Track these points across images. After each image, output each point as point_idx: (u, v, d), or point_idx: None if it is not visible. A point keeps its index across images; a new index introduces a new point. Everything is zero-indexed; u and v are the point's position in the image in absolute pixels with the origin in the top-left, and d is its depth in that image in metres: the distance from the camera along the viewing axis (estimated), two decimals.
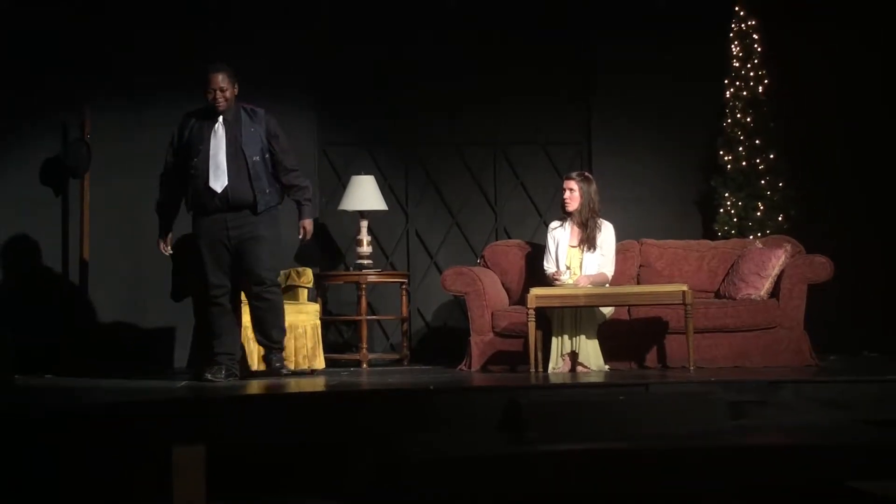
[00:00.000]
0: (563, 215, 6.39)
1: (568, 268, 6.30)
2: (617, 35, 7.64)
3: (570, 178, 6.36)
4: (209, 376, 5.67)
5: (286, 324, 6.32)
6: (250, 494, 4.47)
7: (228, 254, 5.72)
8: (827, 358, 6.47)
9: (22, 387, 5.66)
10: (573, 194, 6.30)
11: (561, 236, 6.37)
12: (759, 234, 7.17)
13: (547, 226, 6.57)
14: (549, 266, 6.36)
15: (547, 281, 6.31)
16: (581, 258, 6.31)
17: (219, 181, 5.66)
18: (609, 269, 6.33)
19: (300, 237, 5.95)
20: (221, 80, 5.63)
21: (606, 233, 6.34)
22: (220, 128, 5.70)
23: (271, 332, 5.84)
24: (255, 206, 5.71)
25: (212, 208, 5.68)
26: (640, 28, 7.62)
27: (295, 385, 5.60)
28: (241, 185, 5.67)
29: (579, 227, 6.32)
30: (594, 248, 6.28)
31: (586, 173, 6.48)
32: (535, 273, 6.50)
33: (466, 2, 7.59)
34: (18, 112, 7.02)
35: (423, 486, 4.21)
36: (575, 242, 6.34)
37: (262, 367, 6.03)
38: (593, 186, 6.33)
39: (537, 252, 6.62)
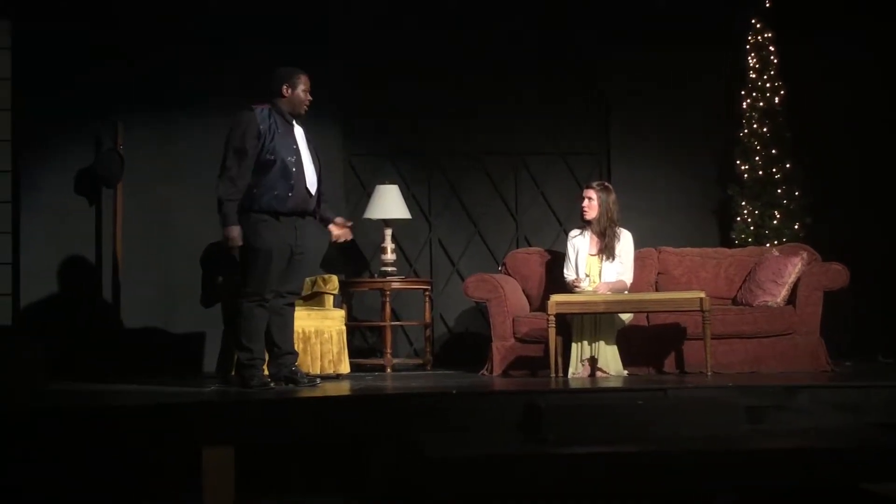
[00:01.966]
0: (583, 224, 6.49)
1: (587, 275, 6.40)
2: (634, 46, 7.74)
3: (589, 188, 6.46)
4: (273, 384, 5.57)
5: (312, 329, 6.48)
6: (277, 494, 4.58)
7: (287, 259, 5.62)
8: (842, 364, 6.54)
9: (54, 391, 5.76)
10: (591, 203, 6.40)
11: (581, 244, 6.47)
12: (775, 242, 7.25)
13: (567, 234, 6.67)
14: (569, 273, 6.46)
15: (567, 288, 6.40)
16: (600, 266, 6.41)
17: (313, 184, 5.63)
18: (628, 277, 6.43)
19: (339, 240, 5.86)
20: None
21: (625, 241, 6.43)
22: (298, 130, 5.67)
23: (293, 340, 5.87)
24: (315, 213, 5.74)
25: (286, 210, 5.53)
26: (657, 39, 7.70)
27: (321, 389, 5.68)
28: (320, 189, 5.69)
29: (598, 235, 6.42)
30: (613, 257, 6.37)
31: (606, 183, 6.57)
32: (555, 280, 6.59)
33: (488, 15, 7.71)
34: (53, 124, 7.16)
35: (445, 486, 4.31)
36: (594, 251, 6.43)
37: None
38: (612, 196, 6.42)
39: (557, 260, 6.72)
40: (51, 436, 4.60)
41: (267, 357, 5.75)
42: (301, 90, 5.62)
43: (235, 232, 5.46)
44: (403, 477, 4.60)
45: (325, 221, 5.85)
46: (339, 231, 5.85)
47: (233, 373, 5.83)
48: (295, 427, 4.87)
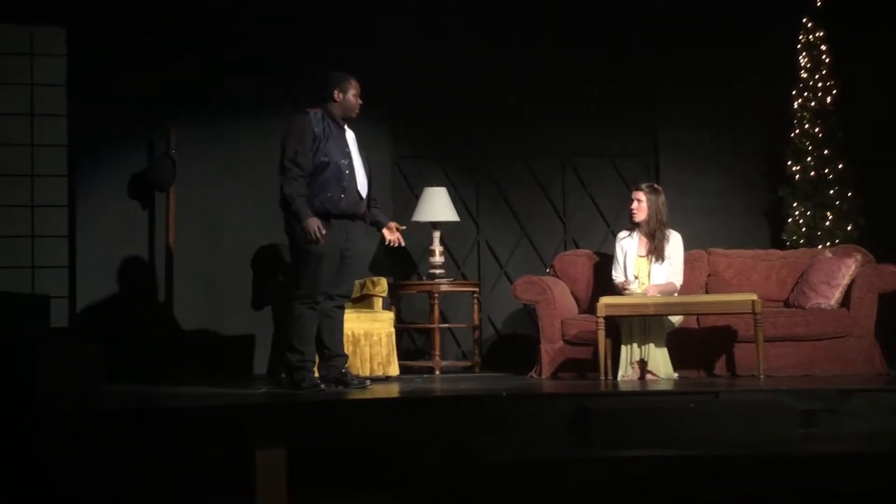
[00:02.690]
0: (631, 225, 6.47)
1: (636, 277, 6.37)
2: (682, 46, 7.70)
3: (638, 189, 6.43)
4: (323, 386, 5.64)
5: (362, 331, 6.53)
6: (329, 495, 4.62)
7: (338, 261, 5.69)
8: None
9: (110, 393, 5.85)
10: (641, 205, 6.37)
11: (629, 246, 6.44)
12: (828, 244, 7.17)
13: (615, 236, 6.66)
14: (618, 276, 6.44)
15: (616, 290, 6.38)
16: (649, 268, 6.38)
17: (364, 187, 5.73)
18: (678, 279, 6.39)
19: (392, 244, 5.92)
20: None
21: (674, 243, 6.39)
22: (349, 133, 5.76)
23: (343, 342, 5.92)
24: (364, 216, 5.83)
25: (338, 213, 5.61)
26: (705, 40, 7.66)
27: (371, 391, 5.72)
28: (370, 193, 5.78)
29: (647, 237, 6.39)
30: (662, 260, 6.33)
31: (655, 185, 6.53)
32: (604, 282, 6.57)
33: (535, 17, 7.71)
34: (107, 129, 7.26)
35: (495, 489, 4.31)
36: (643, 252, 6.40)
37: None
38: (661, 198, 6.38)
39: (605, 262, 6.70)
40: (106, 437, 4.68)
41: (317, 359, 5.80)
42: (352, 95, 5.71)
43: (315, 222, 5.52)
44: (453, 479, 4.61)
45: (377, 225, 5.91)
46: (392, 236, 5.92)
47: (283, 375, 5.88)
48: (346, 429, 4.92)
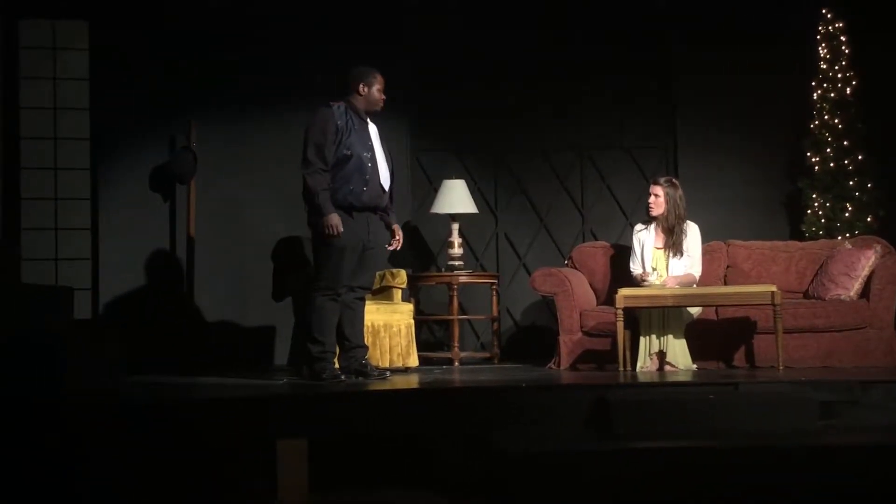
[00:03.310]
0: (648, 218, 6.46)
1: (654, 269, 6.38)
2: (700, 38, 7.69)
3: (655, 184, 6.41)
4: (343, 377, 5.69)
5: (381, 323, 6.57)
6: (349, 485, 4.66)
7: (359, 254, 5.73)
8: None
9: (133, 384, 5.91)
10: (658, 199, 6.35)
11: (646, 238, 6.44)
12: (847, 235, 7.15)
13: (633, 227, 6.66)
14: (636, 268, 6.44)
15: (634, 282, 6.39)
16: (667, 262, 6.37)
17: (387, 180, 5.78)
18: (696, 271, 6.39)
19: (395, 246, 5.96)
20: None
21: (692, 235, 6.38)
22: (372, 127, 5.80)
23: (363, 334, 5.96)
24: (386, 209, 5.86)
25: (360, 205, 5.65)
26: (723, 31, 7.64)
27: (391, 382, 5.75)
28: (392, 186, 5.82)
29: (665, 232, 6.37)
30: (680, 254, 6.34)
31: (673, 179, 6.50)
32: (622, 274, 6.58)
33: (553, 11, 7.71)
34: (129, 123, 7.33)
35: (516, 480, 4.34)
36: (660, 245, 6.40)
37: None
38: (679, 192, 6.36)
39: (624, 253, 6.71)
40: (130, 428, 4.73)
41: (338, 350, 5.85)
42: (376, 89, 5.76)
43: (335, 219, 5.58)
44: (473, 470, 4.64)
45: (386, 224, 5.93)
46: (394, 241, 5.93)
47: (304, 366, 5.93)
48: (366, 420, 4.95)
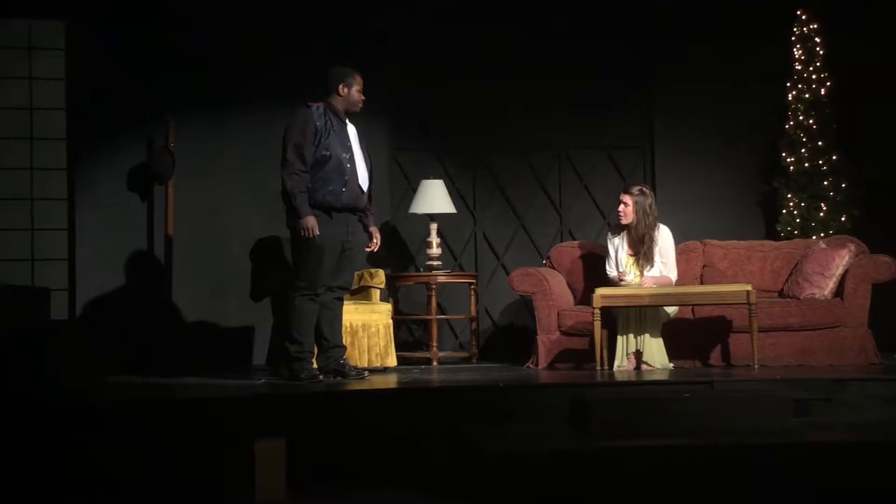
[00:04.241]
0: (620, 225, 6.46)
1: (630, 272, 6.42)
2: (678, 39, 7.72)
3: (625, 192, 6.39)
4: (321, 377, 5.70)
5: (360, 323, 6.58)
6: (328, 485, 4.66)
7: (339, 254, 5.74)
8: (891, 356, 6.49)
9: (109, 385, 5.88)
10: (627, 209, 6.36)
11: (619, 244, 6.45)
12: (822, 235, 7.22)
13: (610, 227, 6.69)
14: (611, 270, 6.46)
15: (611, 284, 6.42)
16: (639, 270, 6.37)
17: (365, 181, 5.79)
18: (673, 275, 6.42)
19: (373, 248, 5.98)
20: None
21: (665, 239, 6.39)
22: (351, 128, 5.82)
23: (341, 334, 5.96)
24: (365, 209, 5.88)
25: (340, 206, 5.67)
26: (701, 31, 7.68)
27: (369, 381, 5.76)
28: (371, 187, 5.84)
29: (635, 241, 6.37)
30: (652, 264, 6.34)
31: (644, 188, 6.45)
32: (600, 274, 6.59)
33: (532, 11, 7.74)
34: (106, 123, 7.27)
35: (491, 477, 4.36)
36: (631, 253, 6.42)
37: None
38: (649, 200, 6.35)
39: (601, 253, 6.71)
40: (108, 428, 4.72)
41: (316, 350, 5.85)
42: (356, 90, 5.78)
43: (312, 221, 5.60)
44: (452, 469, 4.66)
45: (364, 226, 5.95)
46: (372, 244, 5.94)
47: (282, 366, 5.93)
48: (344, 419, 4.97)
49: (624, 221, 6.39)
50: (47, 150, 7.22)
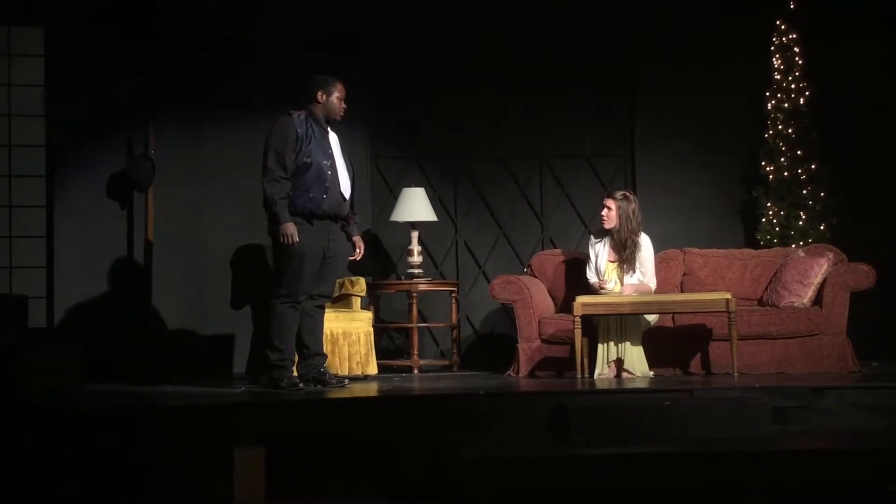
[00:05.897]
0: (602, 230, 6.49)
1: (611, 279, 6.43)
2: (659, 48, 7.77)
3: (609, 197, 6.42)
4: (302, 385, 5.68)
5: (340, 331, 6.57)
6: (306, 494, 4.65)
7: (320, 262, 5.73)
8: (869, 364, 6.55)
9: (87, 392, 5.86)
10: (610, 213, 6.38)
11: (601, 250, 6.48)
12: (801, 243, 7.26)
13: (591, 235, 6.70)
14: (592, 276, 6.48)
15: (592, 290, 6.45)
16: (620, 275, 6.39)
17: (347, 189, 5.77)
18: (652, 284, 6.44)
19: (356, 257, 5.96)
20: None
21: (644, 249, 6.41)
22: (332, 136, 5.81)
23: (322, 342, 5.96)
24: (347, 218, 5.86)
25: (321, 214, 5.66)
26: (681, 41, 7.74)
27: (349, 389, 5.75)
28: (353, 195, 5.84)
29: (618, 246, 6.39)
30: (633, 270, 6.36)
31: (628, 193, 6.48)
32: (581, 282, 6.61)
33: (514, 18, 7.76)
34: (86, 129, 7.25)
35: (475, 486, 4.36)
36: (613, 258, 6.44)
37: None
38: (632, 206, 6.38)
39: (582, 261, 6.73)
40: (86, 436, 4.70)
41: (296, 358, 5.84)
42: (336, 97, 5.77)
43: (291, 228, 5.59)
44: (431, 477, 4.65)
45: (347, 235, 5.93)
46: (356, 253, 5.93)
47: (262, 374, 5.91)
48: (324, 427, 4.95)
49: (607, 226, 6.41)
50: (26, 156, 7.19)
